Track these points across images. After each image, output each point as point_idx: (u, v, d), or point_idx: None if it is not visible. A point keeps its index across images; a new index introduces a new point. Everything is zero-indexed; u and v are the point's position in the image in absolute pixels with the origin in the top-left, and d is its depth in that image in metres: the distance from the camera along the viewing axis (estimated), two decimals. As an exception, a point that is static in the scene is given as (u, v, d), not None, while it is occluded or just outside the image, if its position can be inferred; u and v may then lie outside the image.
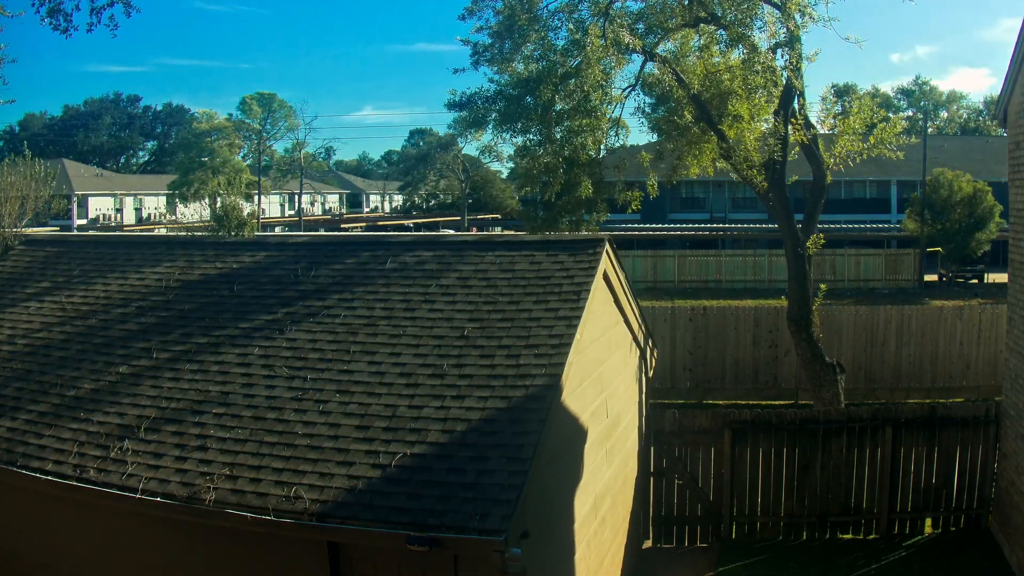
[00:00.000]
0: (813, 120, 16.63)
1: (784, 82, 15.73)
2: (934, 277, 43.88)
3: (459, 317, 8.75)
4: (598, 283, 9.12)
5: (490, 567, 6.26)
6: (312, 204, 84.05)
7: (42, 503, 7.98)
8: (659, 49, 16.16)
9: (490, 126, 17.72)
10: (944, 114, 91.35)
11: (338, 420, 7.65)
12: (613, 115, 16.83)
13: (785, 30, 15.25)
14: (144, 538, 7.61)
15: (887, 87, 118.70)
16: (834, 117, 16.99)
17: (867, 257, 43.57)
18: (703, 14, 15.44)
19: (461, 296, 9.07)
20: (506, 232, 45.71)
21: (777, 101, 15.94)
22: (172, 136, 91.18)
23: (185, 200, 60.66)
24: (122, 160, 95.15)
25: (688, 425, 12.88)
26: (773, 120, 16.15)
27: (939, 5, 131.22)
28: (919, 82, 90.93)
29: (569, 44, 15.90)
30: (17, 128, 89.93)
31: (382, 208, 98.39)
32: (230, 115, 69.38)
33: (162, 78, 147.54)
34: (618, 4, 15.42)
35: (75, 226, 55.86)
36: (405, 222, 76.10)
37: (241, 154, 67.68)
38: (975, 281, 43.49)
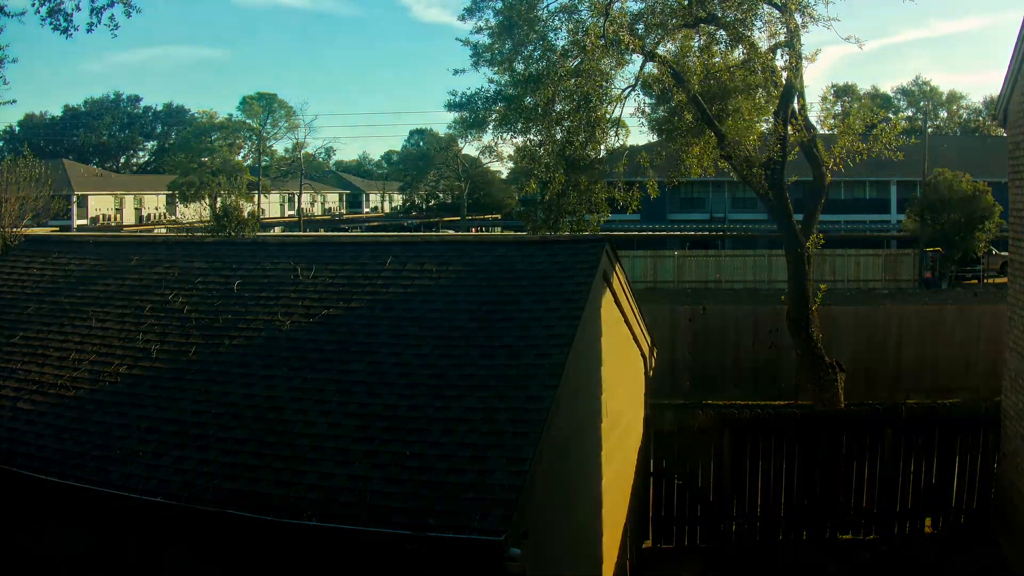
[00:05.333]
0: (813, 120, 16.68)
1: (784, 82, 15.74)
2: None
3: (459, 317, 8.75)
4: (598, 283, 9.12)
5: (490, 567, 6.26)
6: (312, 204, 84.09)
7: (41, 503, 7.98)
8: (659, 49, 16.18)
9: (490, 126, 17.75)
10: (944, 114, 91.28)
11: (338, 420, 7.64)
12: (613, 115, 16.85)
13: (785, 30, 15.26)
14: (143, 538, 7.60)
15: (887, 87, 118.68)
16: (834, 117, 17.02)
17: (867, 257, 43.58)
18: (703, 14, 15.45)
19: (461, 296, 9.07)
20: (506, 232, 45.69)
21: (777, 101, 15.95)
22: (172, 136, 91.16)
23: (185, 200, 60.73)
24: (122, 160, 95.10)
25: (688, 425, 12.89)
26: (773, 120, 16.17)
27: (940, 4, 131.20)
28: (919, 82, 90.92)
29: (569, 44, 15.92)
30: (17, 128, 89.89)
31: (382, 208, 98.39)
32: (230, 115, 69.55)
33: (162, 78, 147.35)
34: (618, 4, 15.43)
35: (75, 226, 55.84)
36: (405, 222, 76.14)
37: (241, 154, 67.83)
38: (974, 281, 43.56)
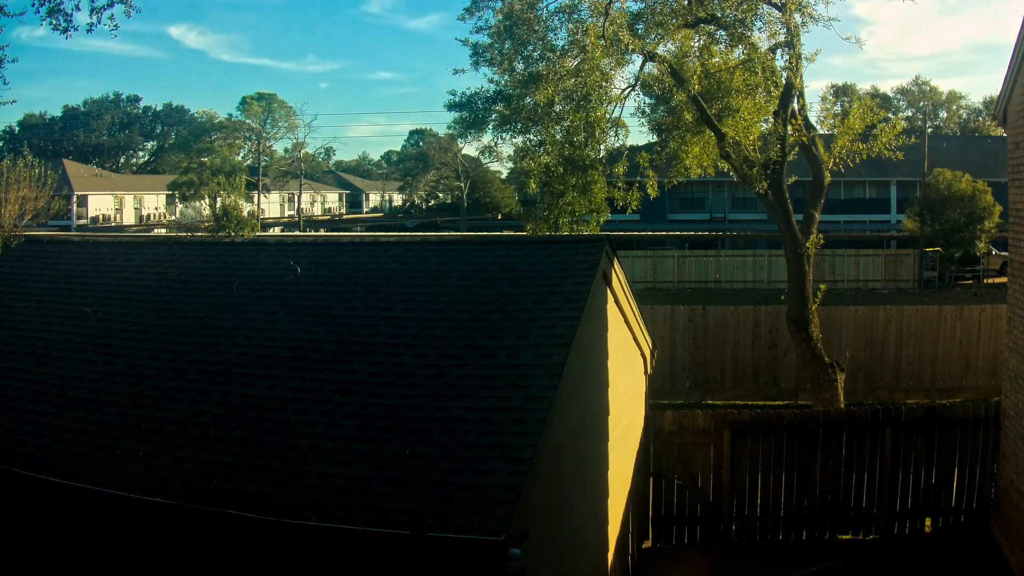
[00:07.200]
0: (813, 120, 16.69)
1: (784, 82, 15.75)
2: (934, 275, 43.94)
3: (459, 317, 8.74)
4: (598, 283, 9.12)
5: (490, 568, 6.26)
6: (312, 204, 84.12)
7: (41, 503, 7.98)
8: (659, 49, 16.18)
9: (490, 127, 17.76)
10: (944, 114, 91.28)
11: (338, 420, 7.64)
12: (613, 115, 16.86)
13: (785, 30, 15.27)
14: (143, 539, 7.60)
15: (887, 87, 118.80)
16: (833, 117, 17.02)
17: (867, 258, 43.61)
18: (703, 14, 15.45)
19: (461, 296, 9.07)
20: (506, 232, 45.74)
21: (777, 101, 15.96)
22: (172, 136, 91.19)
23: (185, 200, 60.74)
24: (122, 160, 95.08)
25: (688, 425, 12.89)
26: (772, 120, 16.17)
27: (940, 4, 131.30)
28: (919, 82, 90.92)
29: (569, 44, 15.92)
30: (17, 128, 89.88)
31: (381, 208, 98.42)
32: (230, 115, 69.56)
33: (162, 77, 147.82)
34: (618, 4, 15.42)
35: (75, 226, 55.85)
36: (405, 222, 76.15)
37: (241, 154, 67.82)
38: (972, 280, 43.63)
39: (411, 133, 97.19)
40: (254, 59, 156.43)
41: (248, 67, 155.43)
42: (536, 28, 16.03)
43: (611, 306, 10.13)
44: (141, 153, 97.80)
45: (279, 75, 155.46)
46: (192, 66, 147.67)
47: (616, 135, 17.46)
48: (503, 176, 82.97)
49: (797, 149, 16.55)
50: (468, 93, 18.02)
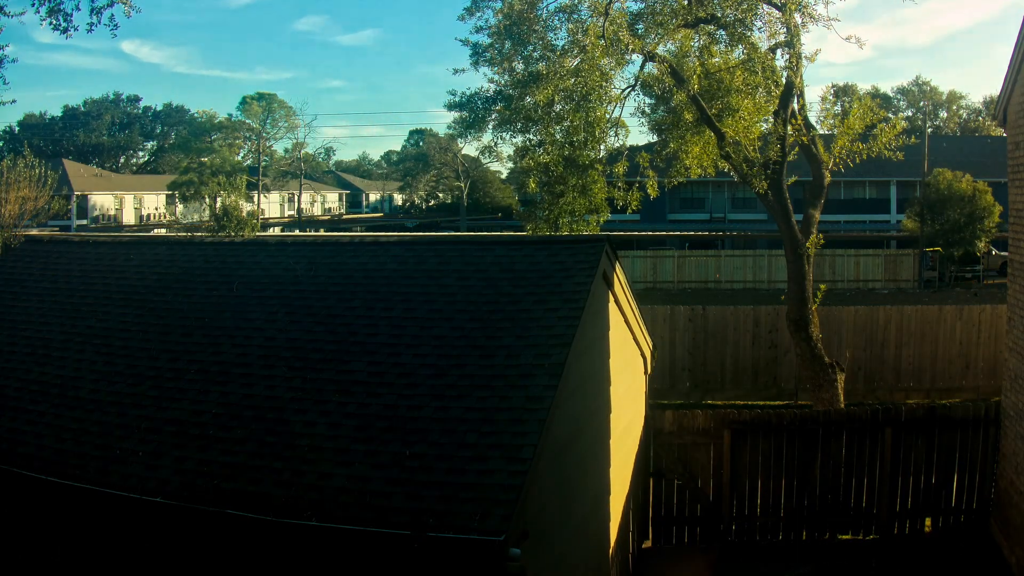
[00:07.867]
0: (813, 120, 16.68)
1: (784, 82, 15.75)
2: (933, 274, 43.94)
3: (459, 317, 8.75)
4: (598, 283, 9.12)
5: (490, 567, 6.26)
6: (312, 204, 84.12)
7: (41, 503, 7.97)
8: (659, 49, 16.18)
9: (490, 126, 17.77)
10: (944, 114, 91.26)
11: (338, 420, 7.64)
12: (613, 115, 16.85)
13: (785, 30, 15.26)
14: (143, 539, 7.60)
15: (887, 87, 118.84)
16: (833, 117, 17.01)
17: (866, 257, 43.60)
18: (703, 14, 15.45)
19: (461, 296, 9.07)
20: (506, 232, 45.75)
21: (776, 101, 15.95)
22: (172, 136, 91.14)
23: (185, 200, 60.72)
24: (122, 160, 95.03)
25: (687, 425, 12.89)
26: (772, 120, 16.17)
27: (939, 5, 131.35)
28: (919, 82, 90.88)
29: (569, 44, 15.92)
30: (17, 128, 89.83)
31: (381, 208, 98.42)
32: (230, 115, 69.56)
33: (163, 77, 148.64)
34: (618, 4, 15.42)
35: (75, 226, 55.82)
36: (405, 223, 76.16)
37: (241, 154, 67.82)
38: (972, 280, 43.63)
39: (411, 133, 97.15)
40: (208, 71, 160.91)
41: (206, 78, 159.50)
42: (536, 28, 16.02)
43: (611, 306, 10.13)
44: (141, 153, 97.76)
45: (237, 85, 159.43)
46: (151, 77, 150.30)
47: (616, 135, 17.47)
48: (503, 176, 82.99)
49: (797, 149, 16.55)
50: (468, 93, 18.04)
